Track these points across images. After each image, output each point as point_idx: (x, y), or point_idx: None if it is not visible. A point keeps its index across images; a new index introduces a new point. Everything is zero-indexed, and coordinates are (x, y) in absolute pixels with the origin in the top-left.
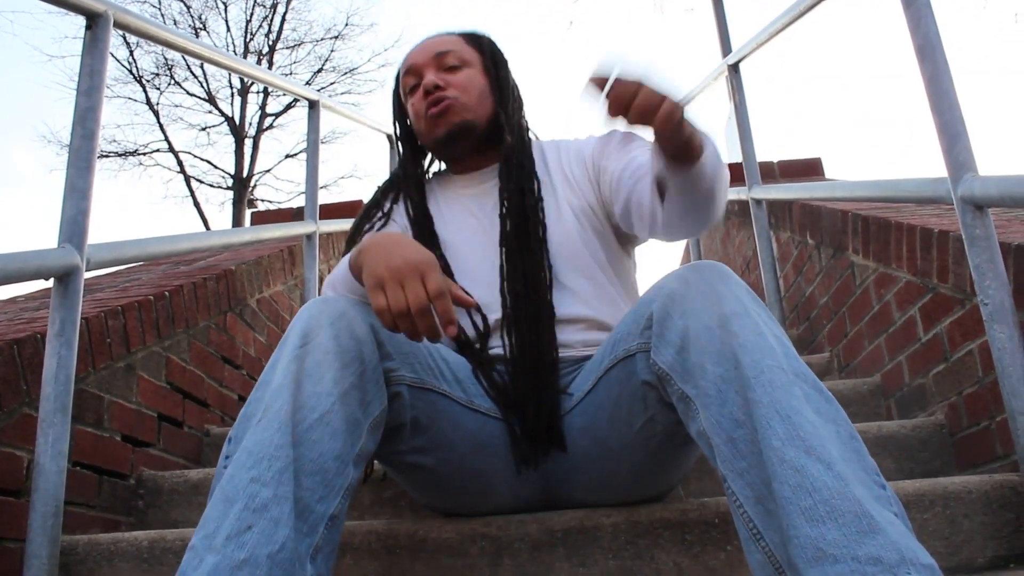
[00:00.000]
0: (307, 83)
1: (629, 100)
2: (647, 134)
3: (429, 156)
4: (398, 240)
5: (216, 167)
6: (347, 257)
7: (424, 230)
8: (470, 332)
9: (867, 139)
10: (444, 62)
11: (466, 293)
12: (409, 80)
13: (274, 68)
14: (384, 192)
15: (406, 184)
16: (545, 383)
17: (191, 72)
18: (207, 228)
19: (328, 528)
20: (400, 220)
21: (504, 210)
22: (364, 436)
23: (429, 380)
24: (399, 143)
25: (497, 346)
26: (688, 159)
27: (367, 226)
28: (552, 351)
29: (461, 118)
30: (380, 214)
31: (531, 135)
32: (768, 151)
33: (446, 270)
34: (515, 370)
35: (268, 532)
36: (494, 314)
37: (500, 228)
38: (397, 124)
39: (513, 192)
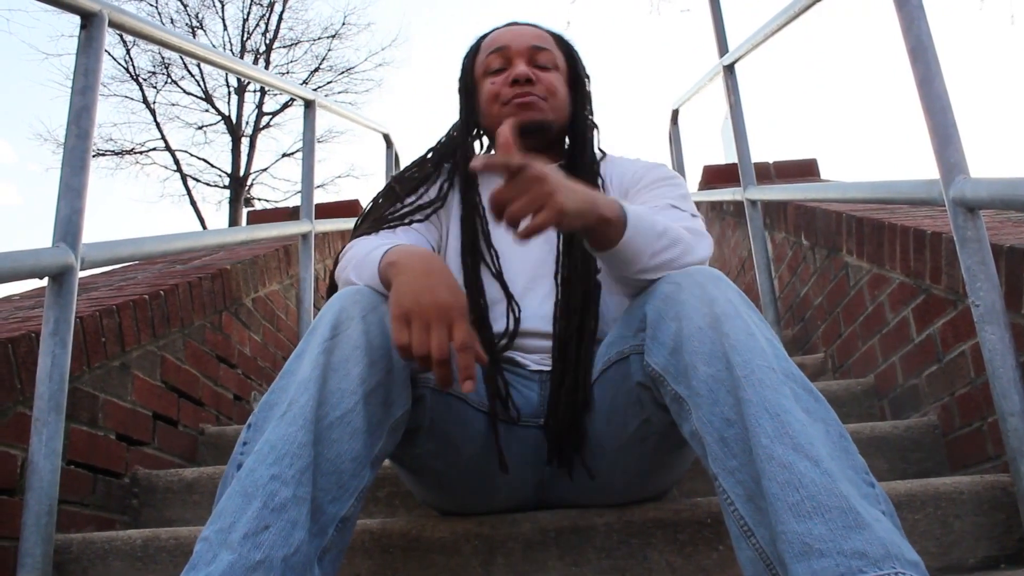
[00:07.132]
0: (304, 82)
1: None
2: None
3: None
4: (433, 271)
5: (213, 166)
6: (378, 256)
7: (472, 233)
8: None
9: (863, 140)
10: (538, 59)
11: (483, 350)
12: (495, 60)
13: (271, 67)
14: (437, 164)
15: (465, 175)
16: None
17: (188, 71)
18: (203, 227)
19: (338, 530)
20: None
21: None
22: (384, 437)
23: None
24: (463, 120)
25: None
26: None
27: (414, 201)
28: (590, 372)
29: (543, 116)
30: (438, 200)
31: (599, 150)
32: (763, 152)
33: (498, 277)
34: (554, 386)
35: (285, 534)
36: (537, 323)
37: (557, 254)
38: (463, 98)
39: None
